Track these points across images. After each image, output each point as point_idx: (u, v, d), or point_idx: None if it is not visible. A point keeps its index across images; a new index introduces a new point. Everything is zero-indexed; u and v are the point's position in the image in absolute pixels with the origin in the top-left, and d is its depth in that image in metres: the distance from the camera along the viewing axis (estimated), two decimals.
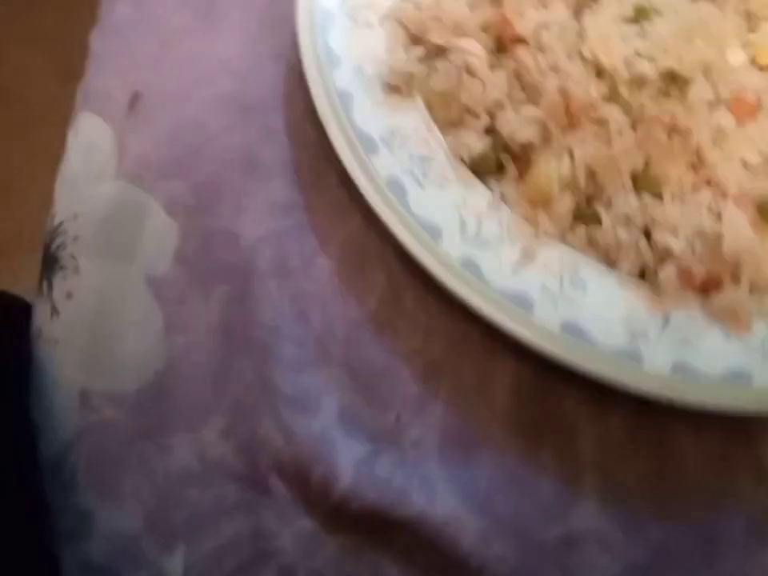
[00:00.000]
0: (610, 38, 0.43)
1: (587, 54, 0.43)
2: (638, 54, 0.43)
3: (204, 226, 0.43)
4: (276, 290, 0.42)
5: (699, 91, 0.42)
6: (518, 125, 0.43)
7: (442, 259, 0.40)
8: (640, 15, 0.45)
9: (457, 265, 0.40)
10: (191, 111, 0.47)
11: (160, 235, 0.43)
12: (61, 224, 0.45)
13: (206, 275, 0.42)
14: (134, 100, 0.48)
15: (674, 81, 0.42)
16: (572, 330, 0.39)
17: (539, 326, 0.39)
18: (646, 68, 0.42)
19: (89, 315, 0.41)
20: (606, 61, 0.42)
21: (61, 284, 0.43)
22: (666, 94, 0.42)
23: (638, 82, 0.42)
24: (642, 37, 0.44)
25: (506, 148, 0.43)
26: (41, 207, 0.47)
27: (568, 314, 0.40)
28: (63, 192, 0.46)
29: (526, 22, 0.45)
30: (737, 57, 0.44)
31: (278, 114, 0.47)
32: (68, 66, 0.66)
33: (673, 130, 0.42)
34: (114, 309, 0.42)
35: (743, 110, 0.44)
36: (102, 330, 0.41)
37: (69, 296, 0.42)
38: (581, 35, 0.44)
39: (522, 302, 0.40)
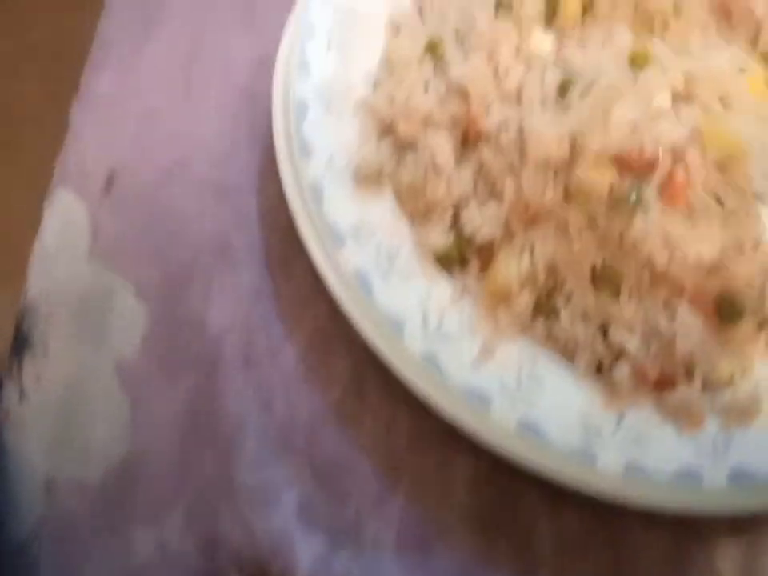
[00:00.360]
0: (562, 138, 0.44)
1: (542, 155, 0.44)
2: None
3: (173, 312, 0.44)
4: (241, 380, 0.43)
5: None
6: (481, 222, 0.44)
7: (403, 354, 0.41)
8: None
9: (417, 360, 0.41)
10: (167, 194, 0.48)
11: (129, 320, 0.44)
12: (34, 301, 0.45)
13: (173, 363, 0.43)
14: (111, 180, 0.49)
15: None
16: (528, 427, 0.40)
17: (496, 424, 0.40)
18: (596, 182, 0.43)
19: (56, 400, 0.42)
20: (559, 163, 0.44)
21: (30, 366, 0.43)
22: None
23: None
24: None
25: (470, 243, 0.45)
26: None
27: (524, 412, 0.41)
28: (38, 267, 0.47)
29: (490, 119, 0.46)
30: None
31: (252, 200, 0.48)
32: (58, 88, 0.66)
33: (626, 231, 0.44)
34: (81, 394, 0.42)
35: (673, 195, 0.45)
36: (69, 415, 0.42)
37: (37, 379, 0.42)
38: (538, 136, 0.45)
39: (480, 399, 0.40)
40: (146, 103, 0.52)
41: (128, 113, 0.51)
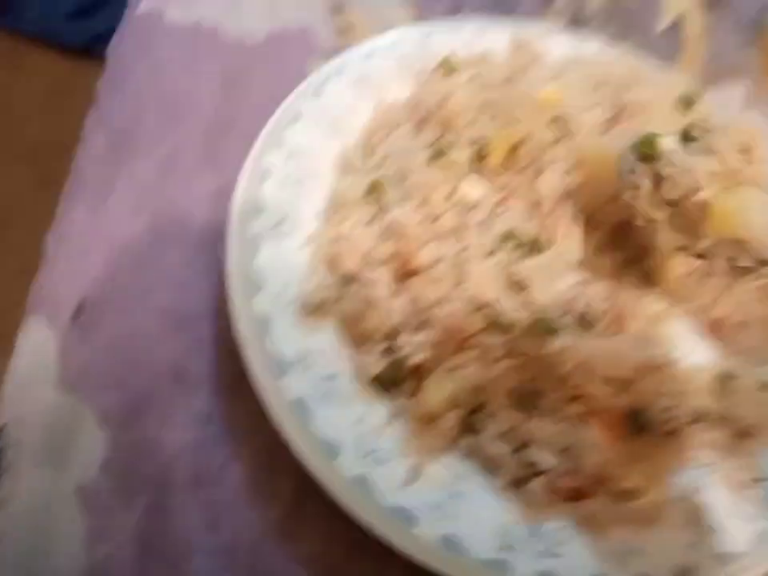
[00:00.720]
0: (487, 277, 0.50)
1: (468, 290, 0.50)
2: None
3: (131, 436, 0.48)
4: (190, 500, 0.47)
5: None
6: (413, 348, 0.49)
7: (337, 476, 0.45)
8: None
9: (350, 483, 0.45)
10: (131, 323, 0.53)
11: (91, 446, 0.48)
12: (5, 426, 0.50)
13: (128, 485, 0.47)
14: (80, 309, 0.53)
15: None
16: (450, 542, 0.44)
17: (421, 540, 0.44)
18: (514, 315, 0.49)
19: (21, 525, 0.45)
20: (482, 298, 0.49)
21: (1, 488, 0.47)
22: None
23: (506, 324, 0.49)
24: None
25: (402, 366, 0.50)
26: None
27: (447, 528, 0.45)
28: (11, 393, 0.51)
29: (423, 256, 0.52)
30: None
31: (208, 327, 0.53)
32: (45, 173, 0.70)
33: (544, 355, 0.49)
34: (44, 515, 0.46)
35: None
36: (32, 540, 0.45)
37: (3, 504, 0.46)
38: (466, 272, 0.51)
39: (407, 518, 0.45)
40: (114, 235, 0.57)
41: (97, 244, 0.56)
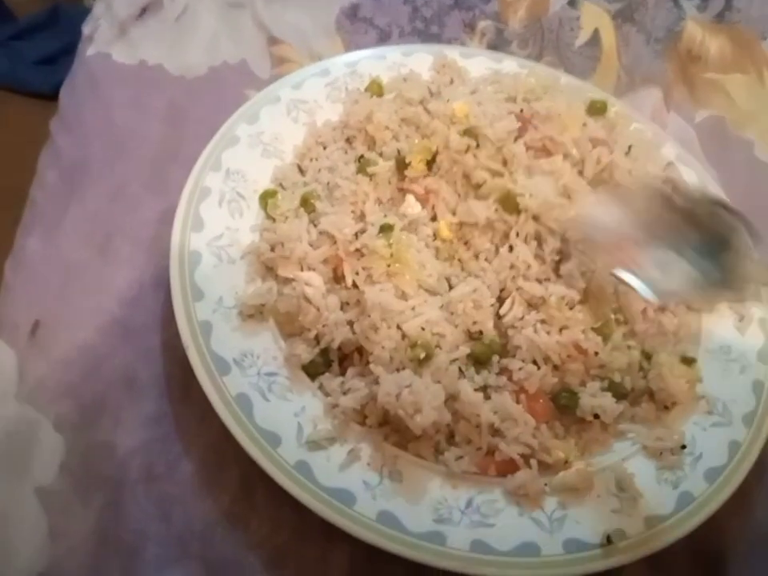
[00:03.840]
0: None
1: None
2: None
3: (87, 439, 0.52)
4: (143, 495, 0.50)
5: None
6: (337, 333, 0.53)
7: (280, 463, 0.48)
8: None
9: (291, 468, 0.48)
10: (84, 338, 0.56)
11: (49, 450, 0.51)
12: None
13: (86, 484, 0.50)
14: (35, 328, 0.57)
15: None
16: (386, 518, 0.47)
17: (360, 519, 0.47)
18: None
19: None
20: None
21: None
22: None
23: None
24: None
25: (329, 353, 0.54)
26: None
27: (384, 505, 0.48)
28: None
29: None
30: None
31: (156, 337, 0.57)
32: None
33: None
34: (4, 517, 0.49)
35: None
36: None
37: None
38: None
39: (346, 498, 0.48)
40: (67, 259, 0.60)
41: (52, 268, 0.60)
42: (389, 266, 0.54)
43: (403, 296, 0.53)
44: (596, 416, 0.54)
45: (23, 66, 1.62)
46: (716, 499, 0.51)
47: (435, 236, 0.59)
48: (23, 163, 0.69)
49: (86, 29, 0.77)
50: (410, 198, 0.59)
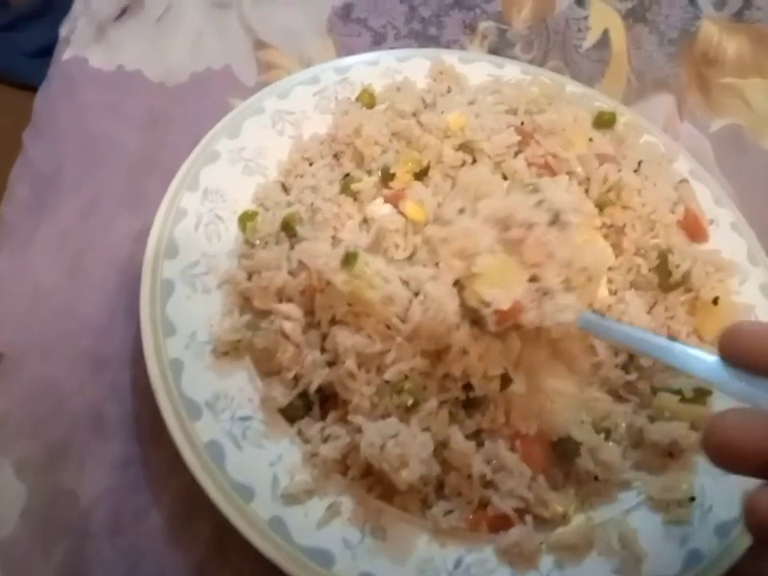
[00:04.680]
0: None
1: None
2: None
3: (50, 484, 0.48)
4: (108, 547, 0.46)
5: None
6: (317, 376, 0.49)
7: (252, 518, 0.45)
8: None
9: (265, 525, 0.45)
10: (49, 369, 0.53)
11: (9, 497, 0.48)
12: None
13: (47, 534, 0.46)
14: (0, 358, 0.53)
15: None
16: None
17: None
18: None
19: None
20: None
21: None
22: None
23: None
24: None
25: (309, 396, 0.49)
26: None
27: (365, 566, 0.44)
28: None
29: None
30: None
31: (126, 371, 0.53)
32: None
33: None
34: None
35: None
36: None
37: None
38: None
39: (324, 558, 0.44)
40: (35, 283, 0.57)
41: (19, 292, 0.56)
42: (350, 305, 0.49)
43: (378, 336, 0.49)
44: (596, 477, 0.50)
45: (15, 56, 1.58)
46: (728, 557, 0.48)
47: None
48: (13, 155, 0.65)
49: (63, 30, 0.73)
50: (379, 199, 0.55)
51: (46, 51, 1.60)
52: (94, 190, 0.62)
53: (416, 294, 0.48)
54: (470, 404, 0.50)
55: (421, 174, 0.55)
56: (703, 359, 0.38)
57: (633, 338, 0.43)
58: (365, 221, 0.54)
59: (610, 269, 0.57)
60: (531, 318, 0.46)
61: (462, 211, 0.49)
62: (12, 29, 1.62)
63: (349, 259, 0.48)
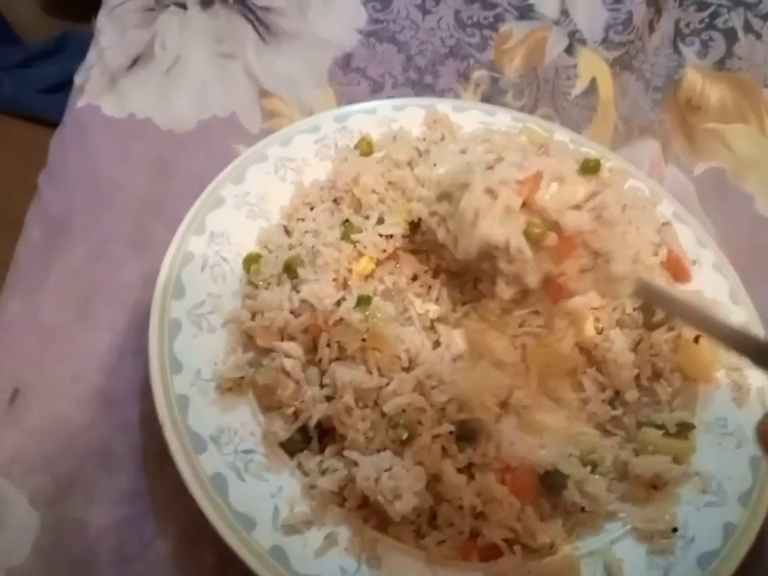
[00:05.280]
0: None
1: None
2: None
3: (60, 517, 0.50)
4: None
5: None
6: (316, 411, 0.51)
7: (254, 549, 0.47)
8: None
9: (266, 554, 0.47)
10: (62, 407, 0.55)
11: (22, 527, 0.50)
12: None
13: (57, 565, 0.49)
14: (14, 396, 0.56)
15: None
16: None
17: None
18: None
19: None
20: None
21: None
22: None
23: None
24: None
25: (308, 430, 0.52)
26: None
27: None
28: None
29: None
30: None
31: (134, 408, 0.55)
32: None
33: None
34: None
35: None
36: None
37: None
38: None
39: None
40: (47, 323, 0.59)
41: (31, 333, 0.59)
42: (363, 340, 0.52)
43: (378, 372, 0.52)
44: (582, 509, 0.52)
45: (29, 92, 1.63)
46: None
47: None
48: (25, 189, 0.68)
49: (78, 78, 0.76)
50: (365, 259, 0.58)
51: (58, 87, 1.65)
52: (103, 233, 0.65)
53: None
54: (463, 437, 0.52)
55: (414, 225, 0.58)
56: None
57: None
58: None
59: (595, 308, 0.60)
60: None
61: None
62: (26, 66, 1.68)
63: (363, 301, 0.52)
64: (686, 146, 0.80)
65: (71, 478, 0.52)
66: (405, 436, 0.50)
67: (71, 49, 1.70)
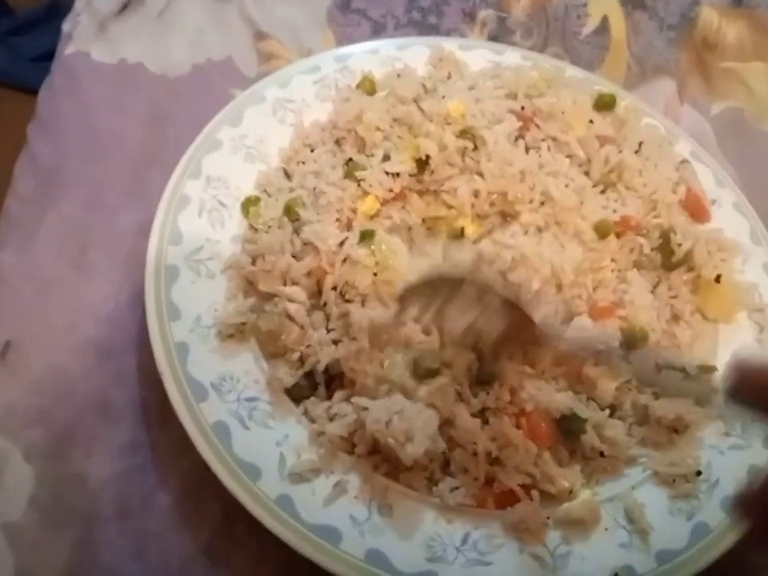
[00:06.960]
0: None
1: None
2: None
3: (57, 470, 0.48)
4: (116, 531, 0.46)
5: None
6: (324, 355, 0.49)
7: (260, 498, 0.45)
8: None
9: (273, 503, 0.45)
10: (57, 358, 0.53)
11: (17, 482, 0.48)
12: None
13: (56, 519, 0.47)
14: (6, 347, 0.53)
15: None
16: (375, 557, 0.44)
17: (345, 557, 0.44)
18: None
19: None
20: None
21: None
22: None
23: None
24: None
25: (315, 376, 0.50)
26: None
27: (372, 542, 0.45)
28: None
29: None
30: None
31: (132, 358, 0.53)
32: None
33: None
34: None
35: None
36: None
37: None
38: None
39: (331, 535, 0.44)
40: (41, 274, 0.57)
41: (25, 284, 0.56)
42: (375, 274, 0.50)
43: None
44: (602, 454, 0.50)
45: (20, 61, 1.59)
46: (734, 531, 0.47)
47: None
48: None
49: (66, 26, 0.73)
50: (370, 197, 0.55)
51: (50, 56, 1.61)
52: (97, 182, 0.62)
53: None
54: (477, 381, 0.50)
55: (422, 163, 0.55)
56: None
57: None
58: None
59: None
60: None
61: None
62: (16, 34, 1.64)
63: (366, 236, 0.50)
64: (703, 86, 0.77)
65: (68, 430, 0.50)
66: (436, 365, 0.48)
67: (61, 15, 1.66)
